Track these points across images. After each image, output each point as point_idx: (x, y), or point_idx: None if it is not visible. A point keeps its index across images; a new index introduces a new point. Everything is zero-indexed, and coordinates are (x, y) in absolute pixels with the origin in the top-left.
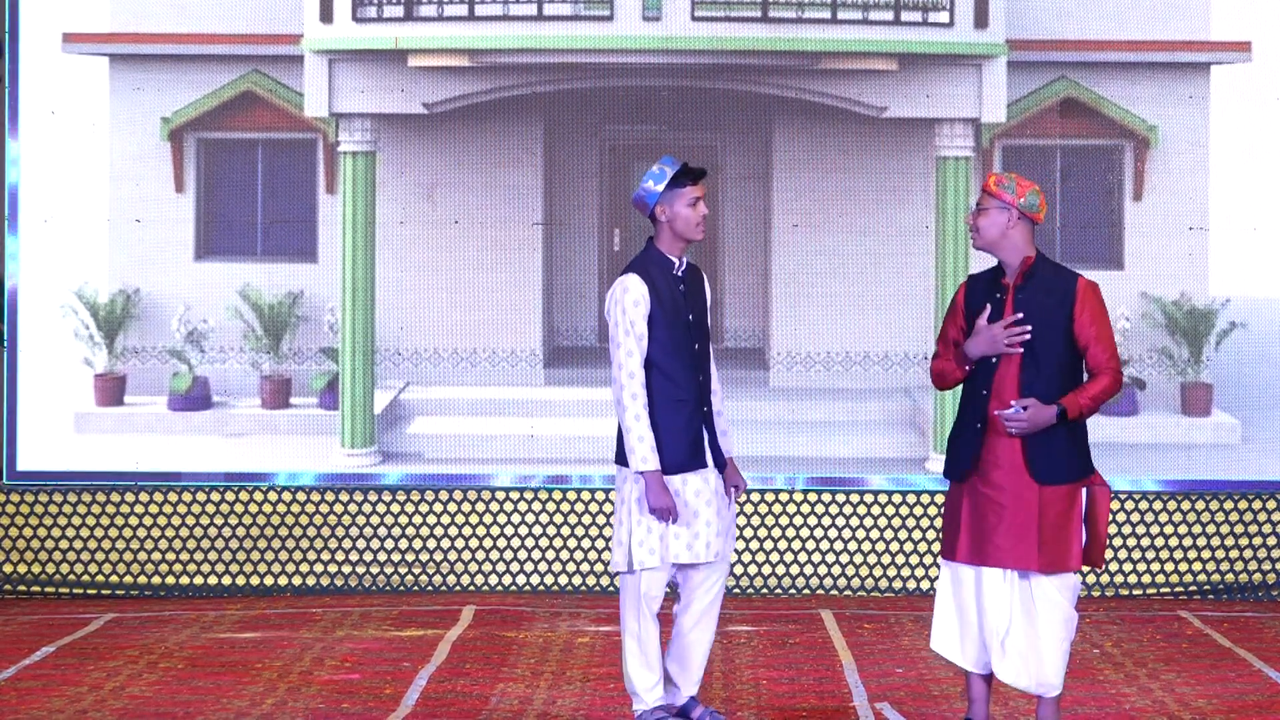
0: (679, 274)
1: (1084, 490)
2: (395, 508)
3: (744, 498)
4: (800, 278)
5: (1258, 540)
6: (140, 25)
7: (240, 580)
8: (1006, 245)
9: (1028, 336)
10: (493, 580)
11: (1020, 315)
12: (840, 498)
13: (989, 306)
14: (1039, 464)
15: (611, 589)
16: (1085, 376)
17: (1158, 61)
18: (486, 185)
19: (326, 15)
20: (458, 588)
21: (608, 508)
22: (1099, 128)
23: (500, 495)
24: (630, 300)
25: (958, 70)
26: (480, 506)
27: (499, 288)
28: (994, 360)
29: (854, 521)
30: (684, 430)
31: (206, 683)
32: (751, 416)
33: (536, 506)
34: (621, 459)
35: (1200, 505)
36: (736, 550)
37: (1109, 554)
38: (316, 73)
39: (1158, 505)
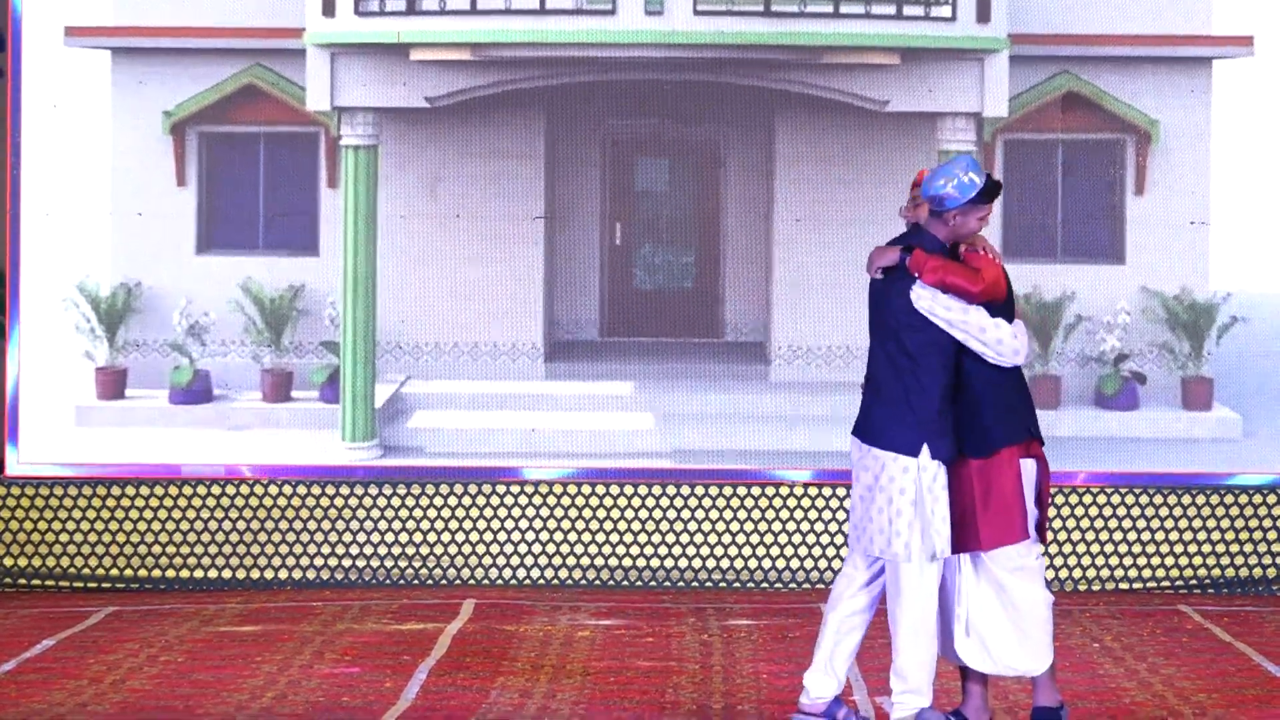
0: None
1: (1025, 462)
2: (395, 501)
3: (744, 491)
4: (802, 271)
5: (1258, 534)
6: (142, 19)
7: (240, 574)
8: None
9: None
10: (493, 574)
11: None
12: (841, 491)
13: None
14: (969, 438)
15: (611, 583)
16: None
17: (1159, 56)
18: (488, 179)
19: (329, 9)
20: (458, 581)
21: (608, 501)
22: (1101, 122)
23: (500, 489)
24: (976, 311)
25: (960, 64)
26: (480, 500)
27: (500, 281)
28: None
29: None
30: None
31: (207, 676)
32: (752, 410)
33: (537, 500)
34: (907, 449)
35: (1201, 499)
36: (737, 543)
37: (1109, 548)
38: (318, 66)
39: (1158, 499)
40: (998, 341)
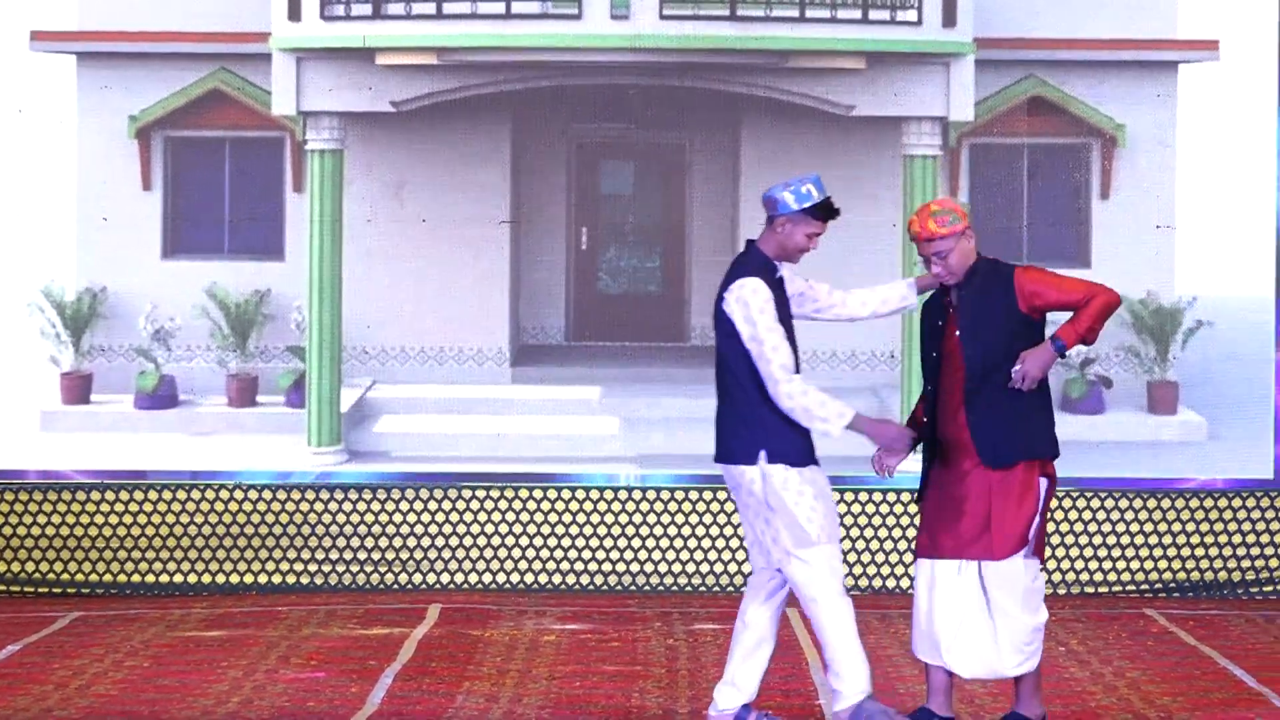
0: (778, 278)
1: (1041, 479)
2: (361, 506)
3: (710, 495)
4: None
5: (1223, 538)
6: (108, 24)
7: (206, 578)
8: (968, 263)
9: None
10: (459, 579)
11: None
12: None
13: (934, 355)
14: (987, 448)
15: (577, 587)
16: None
17: (1125, 60)
18: (454, 183)
19: (294, 14)
20: (424, 586)
21: (574, 505)
22: (1066, 126)
23: (466, 494)
24: (763, 299)
25: (925, 69)
26: (446, 505)
27: (466, 286)
28: (930, 387)
29: None
30: (802, 426)
31: (172, 681)
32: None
33: (503, 505)
34: (741, 458)
35: (1166, 503)
36: (703, 547)
37: (1075, 551)
38: (284, 71)
39: (1124, 503)
40: (768, 362)
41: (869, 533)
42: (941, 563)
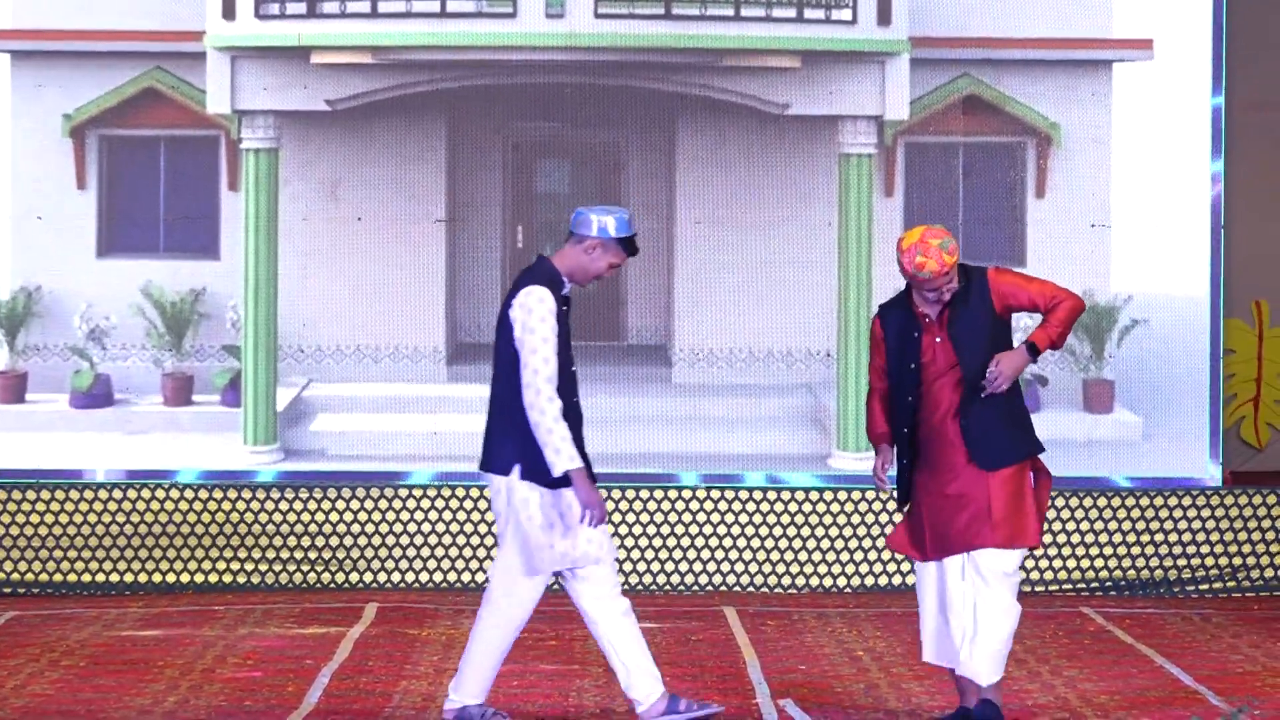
0: (565, 294)
1: (1030, 473)
2: (298, 505)
3: (648, 494)
4: (703, 275)
5: (1159, 537)
6: (41, 21)
7: (142, 577)
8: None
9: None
10: (395, 577)
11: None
12: (743, 494)
13: (914, 366)
14: (981, 453)
15: None
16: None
17: (1060, 59)
18: (389, 182)
19: (229, 12)
20: (360, 585)
21: None
22: (1001, 125)
23: (403, 492)
24: (547, 310)
25: (861, 67)
26: (383, 504)
27: (402, 284)
28: (910, 399)
29: (756, 518)
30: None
31: (109, 680)
32: (654, 413)
33: (440, 503)
34: (497, 467)
35: (1102, 502)
36: (640, 546)
37: None
38: (219, 69)
39: (1060, 502)
40: (534, 372)
41: (805, 531)
42: (949, 562)
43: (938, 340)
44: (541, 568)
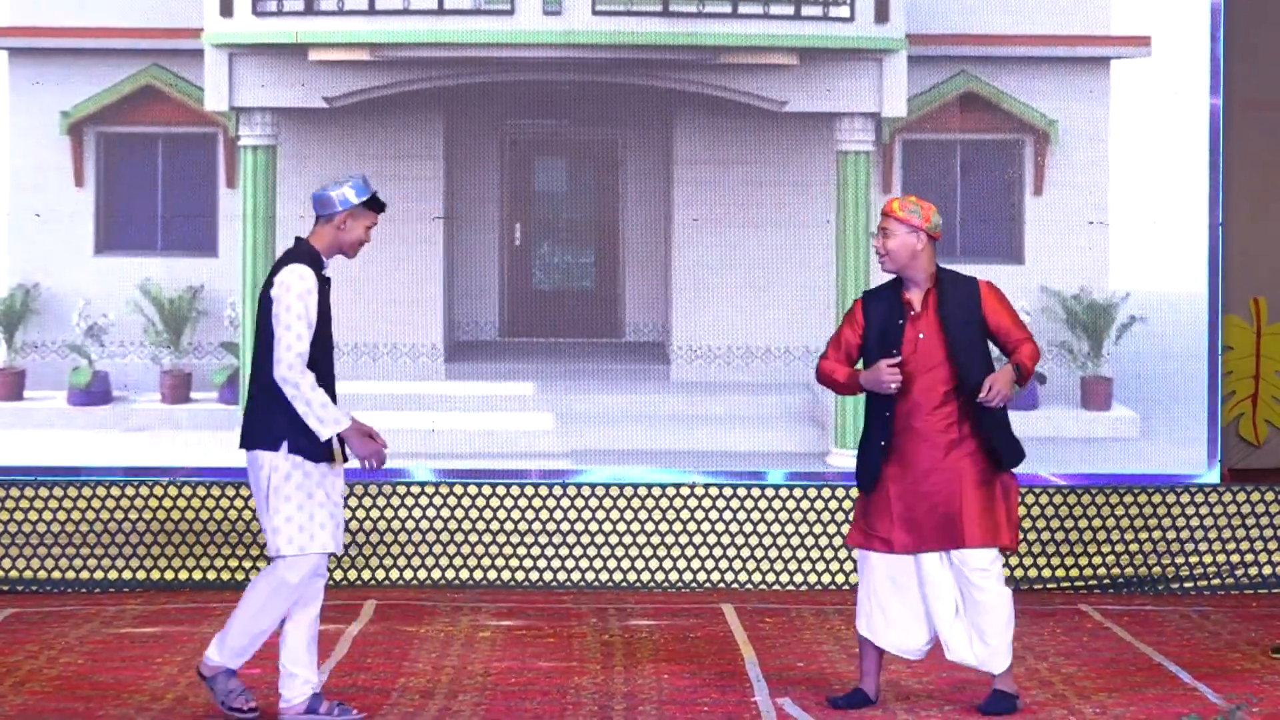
0: (326, 275)
1: (999, 478)
2: None
3: (645, 491)
4: (701, 272)
5: (1157, 534)
6: (39, 19)
7: (141, 575)
8: (916, 266)
9: (899, 381)
10: (394, 575)
11: (899, 359)
12: (741, 491)
13: (896, 353)
14: (996, 454)
15: (513, 583)
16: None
17: (1058, 56)
18: (387, 179)
19: (226, 9)
20: (359, 582)
21: (509, 502)
22: (999, 122)
23: (401, 490)
24: (305, 289)
25: (858, 65)
26: (381, 501)
27: (400, 282)
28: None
29: (755, 515)
30: None
31: (107, 678)
32: (652, 410)
33: (437, 501)
34: (257, 443)
35: (1100, 499)
36: (638, 543)
37: None
38: (216, 67)
39: (1058, 499)
40: (286, 348)
41: (803, 528)
42: (926, 556)
43: (920, 336)
44: (298, 543)
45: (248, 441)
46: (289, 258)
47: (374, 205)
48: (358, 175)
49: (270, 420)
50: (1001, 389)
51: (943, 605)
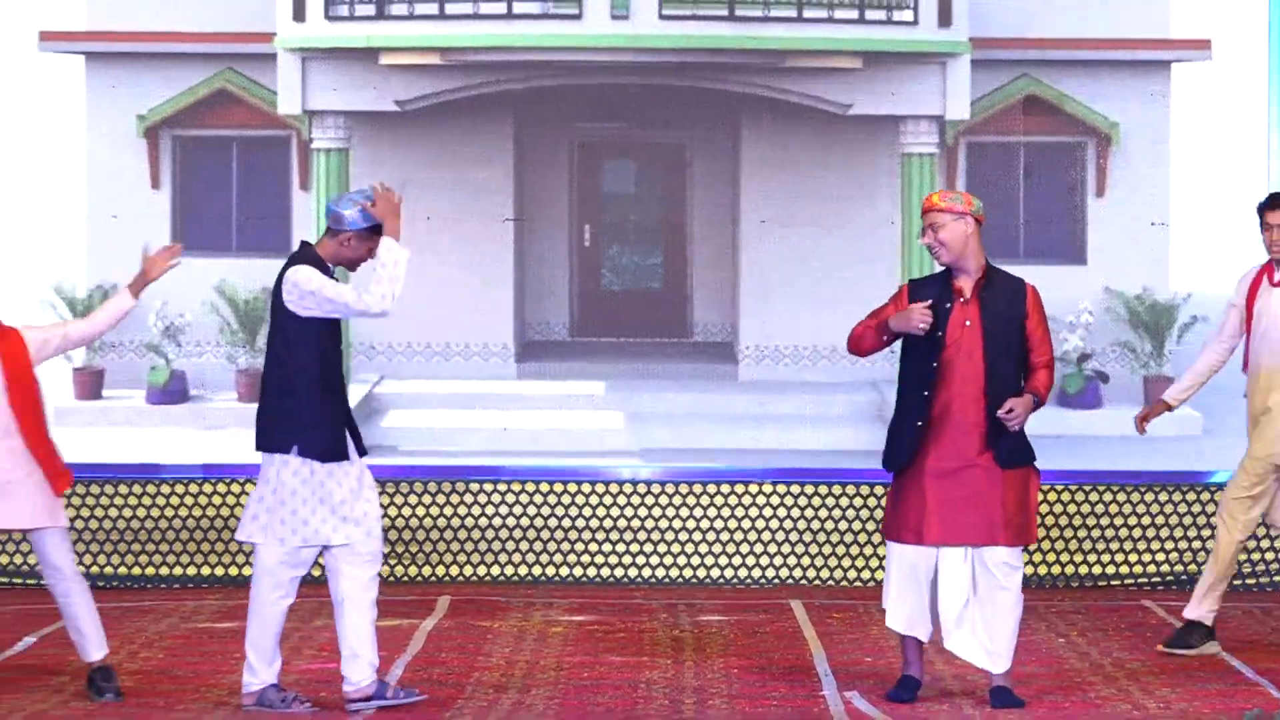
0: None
1: (1030, 475)
2: None
3: (714, 489)
4: (768, 273)
5: None
6: (116, 24)
7: (219, 571)
8: (969, 252)
9: (929, 322)
10: (467, 571)
11: (930, 302)
12: (809, 489)
13: (940, 334)
14: (1002, 452)
15: (584, 579)
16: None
17: (1119, 59)
18: (458, 182)
19: (299, 14)
20: (433, 578)
21: (580, 499)
22: (1061, 125)
23: (474, 487)
24: (314, 273)
25: (922, 68)
26: (455, 499)
27: (471, 283)
28: (934, 364)
29: (822, 513)
30: (333, 423)
31: (187, 672)
32: (720, 410)
33: (510, 498)
34: (274, 445)
35: (1164, 497)
36: (707, 540)
37: (1074, 545)
38: (289, 71)
39: (1121, 497)
40: (346, 305)
41: (870, 525)
42: (948, 550)
43: (967, 323)
44: (273, 532)
45: (263, 443)
46: (293, 260)
47: (377, 231)
48: (365, 193)
49: (282, 422)
50: (1020, 415)
51: (953, 599)
